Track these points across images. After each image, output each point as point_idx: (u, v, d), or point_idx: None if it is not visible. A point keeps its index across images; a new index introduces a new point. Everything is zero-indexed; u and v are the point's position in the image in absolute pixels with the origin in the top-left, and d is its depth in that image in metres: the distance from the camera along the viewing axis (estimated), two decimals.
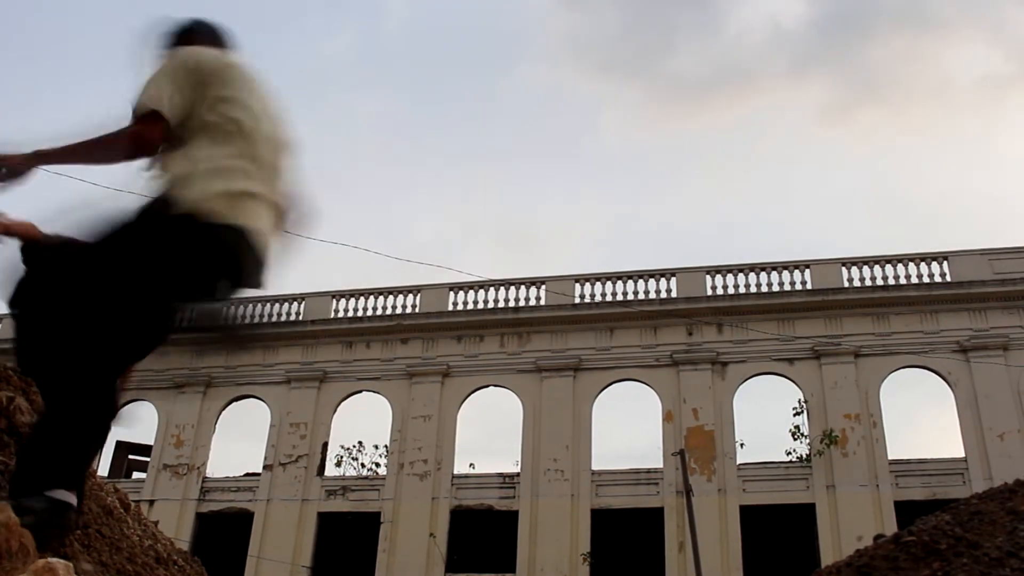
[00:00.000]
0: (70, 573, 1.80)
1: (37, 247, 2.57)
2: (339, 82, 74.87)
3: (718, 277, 25.86)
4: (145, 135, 2.61)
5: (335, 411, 26.74)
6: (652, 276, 26.25)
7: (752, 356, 24.62)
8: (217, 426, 27.35)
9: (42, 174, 2.74)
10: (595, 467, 24.33)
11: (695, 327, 25.03)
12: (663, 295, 25.88)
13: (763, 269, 25.70)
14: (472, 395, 26.06)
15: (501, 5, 73.26)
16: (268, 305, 28.43)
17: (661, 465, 23.86)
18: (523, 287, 26.85)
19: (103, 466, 27.70)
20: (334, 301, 28.10)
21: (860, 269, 25.13)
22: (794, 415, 24.28)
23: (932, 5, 68.24)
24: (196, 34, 2.94)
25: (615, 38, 70.01)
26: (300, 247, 3.00)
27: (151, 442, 27.57)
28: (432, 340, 26.65)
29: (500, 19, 73.52)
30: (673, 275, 26.16)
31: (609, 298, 26.09)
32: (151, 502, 25.50)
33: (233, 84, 2.74)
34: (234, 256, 2.61)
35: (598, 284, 26.41)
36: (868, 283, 24.85)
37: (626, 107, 68.43)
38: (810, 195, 68.31)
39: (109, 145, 2.63)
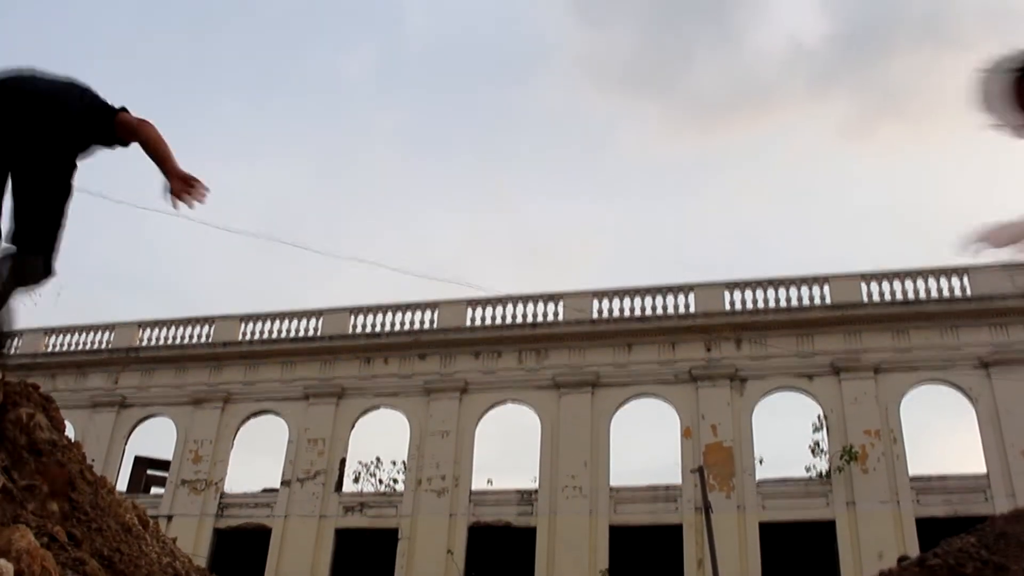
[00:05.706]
0: None
1: None
2: (358, 98, 75.32)
3: (737, 292, 25.74)
4: None
5: (353, 427, 26.74)
6: (670, 291, 26.14)
7: (771, 372, 24.48)
8: (235, 441, 27.40)
9: None
10: (613, 483, 24.22)
11: (713, 343, 24.93)
12: (681, 311, 25.77)
13: (782, 284, 25.56)
14: (490, 411, 26.00)
15: (519, 21, 73.57)
16: (287, 320, 28.54)
17: (680, 481, 23.72)
18: (541, 303, 26.82)
19: (121, 481, 27.80)
20: (352, 317, 28.14)
21: (880, 284, 24.95)
22: (813, 431, 24.10)
23: (952, 21, 68.02)
24: None
25: (633, 55, 70.17)
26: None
27: (169, 457, 27.67)
28: (450, 356, 26.64)
29: (517, 36, 73.83)
30: (691, 290, 26.05)
31: (627, 314, 26.02)
32: (169, 518, 25.57)
33: None
34: None
35: (616, 299, 26.34)
36: (888, 298, 24.68)
37: (643, 123, 68.47)
38: (829, 210, 67.97)
39: None
